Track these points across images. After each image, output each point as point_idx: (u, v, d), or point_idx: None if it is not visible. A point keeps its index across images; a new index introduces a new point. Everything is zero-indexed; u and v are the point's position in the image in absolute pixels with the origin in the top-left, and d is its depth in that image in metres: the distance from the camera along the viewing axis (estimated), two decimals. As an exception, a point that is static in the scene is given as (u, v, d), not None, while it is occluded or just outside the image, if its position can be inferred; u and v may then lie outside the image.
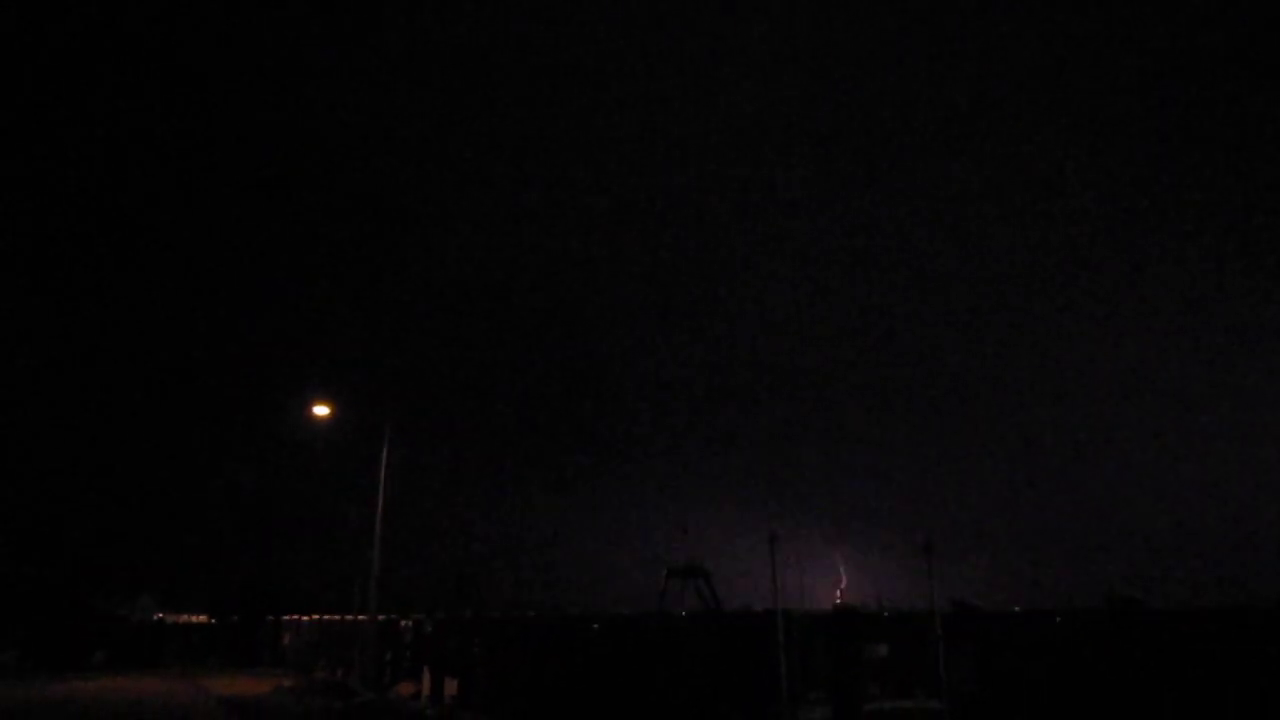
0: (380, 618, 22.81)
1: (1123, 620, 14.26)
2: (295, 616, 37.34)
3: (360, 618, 23.83)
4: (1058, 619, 14.78)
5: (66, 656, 34.68)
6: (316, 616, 33.34)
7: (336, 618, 29.53)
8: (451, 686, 20.45)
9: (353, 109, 62.14)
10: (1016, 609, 15.98)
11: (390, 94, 61.13)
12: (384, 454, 22.59)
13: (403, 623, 23.73)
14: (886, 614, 16.12)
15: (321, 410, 23.20)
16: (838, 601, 21.18)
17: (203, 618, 44.59)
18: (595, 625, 18.65)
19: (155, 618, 44.13)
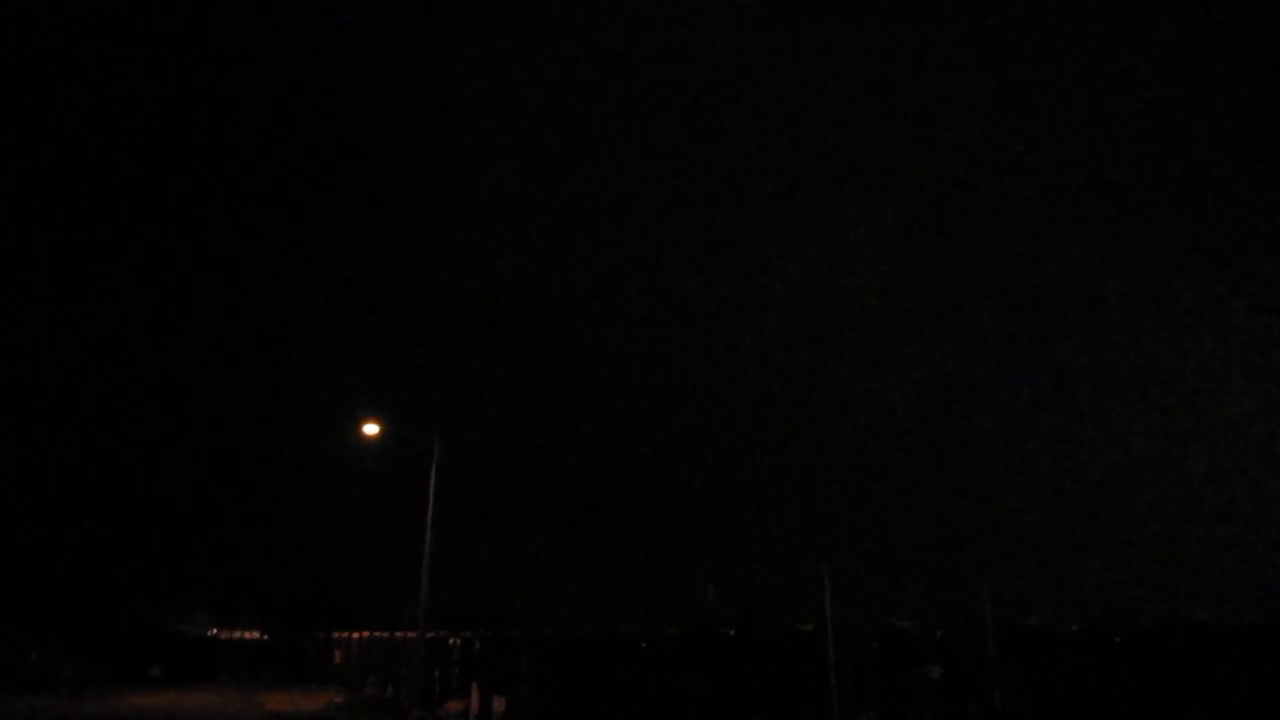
0: (429, 635, 22.98)
1: (1186, 643, 13.87)
2: (345, 633, 37.81)
3: (409, 635, 24.05)
4: (1116, 639, 14.41)
5: (124, 670, 35.50)
6: (366, 633, 33.71)
7: (386, 635, 29.83)
8: (499, 704, 20.52)
9: (399, 124, 63.14)
10: (1074, 628, 15.61)
11: (438, 113, 62.05)
12: (432, 470, 22.87)
13: (451, 640, 23.88)
14: (939, 634, 15.87)
15: (371, 428, 23.57)
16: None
17: (255, 634, 45.38)
18: (642, 644, 18.59)
19: (209, 633, 45.02)
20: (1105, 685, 13.94)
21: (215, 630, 45.22)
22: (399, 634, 27.00)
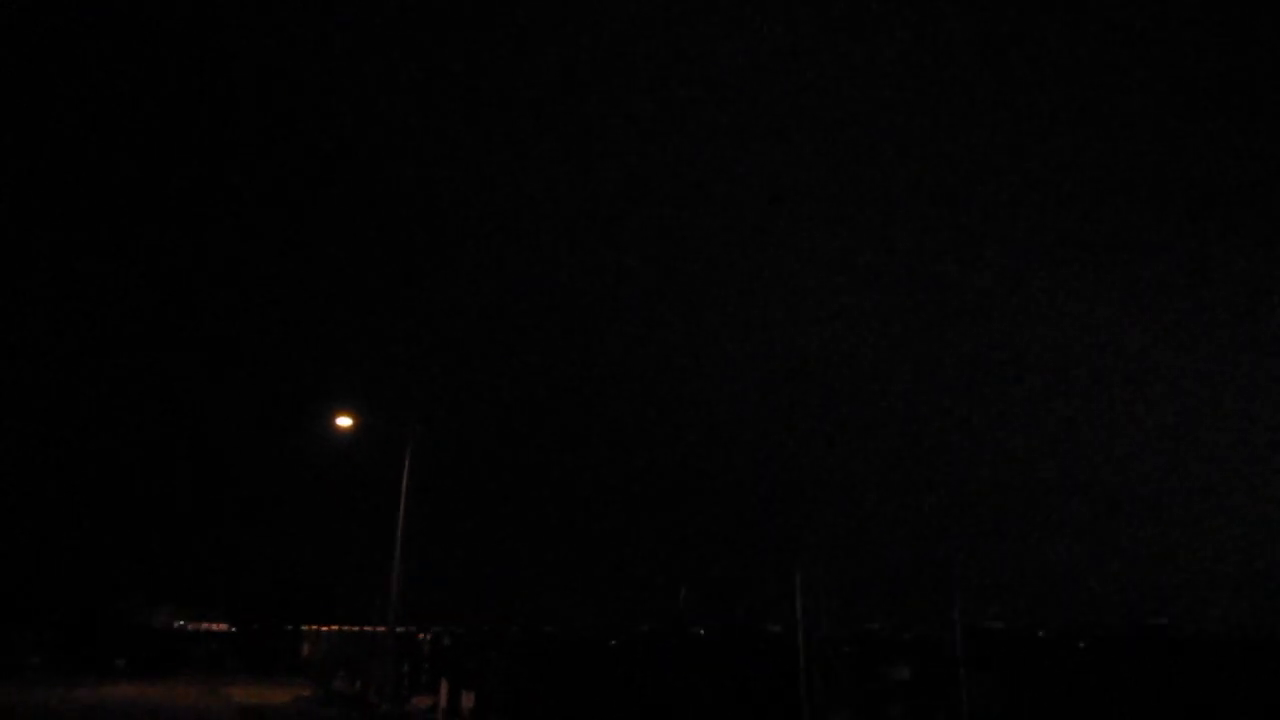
0: (399, 630, 22.86)
1: (1150, 647, 14.07)
2: (314, 627, 37.52)
3: (379, 629, 23.90)
4: (1081, 644, 14.57)
5: (89, 663, 35.06)
6: (336, 627, 33.47)
7: (355, 629, 29.64)
8: (468, 699, 20.45)
9: (380, 120, 62.67)
10: (1040, 633, 15.79)
11: (414, 101, 61.62)
12: (406, 466, 22.75)
13: (421, 635, 23.76)
14: (908, 636, 15.99)
15: (344, 421, 23.42)
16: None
17: (223, 626, 44.94)
18: (612, 642, 18.59)
19: (176, 625, 44.55)
20: (1071, 688, 14.10)
21: (182, 622, 44.76)
22: (369, 628, 26.82)
